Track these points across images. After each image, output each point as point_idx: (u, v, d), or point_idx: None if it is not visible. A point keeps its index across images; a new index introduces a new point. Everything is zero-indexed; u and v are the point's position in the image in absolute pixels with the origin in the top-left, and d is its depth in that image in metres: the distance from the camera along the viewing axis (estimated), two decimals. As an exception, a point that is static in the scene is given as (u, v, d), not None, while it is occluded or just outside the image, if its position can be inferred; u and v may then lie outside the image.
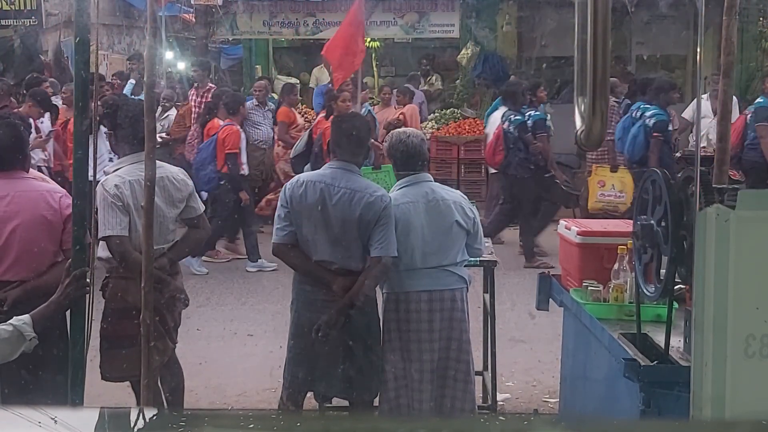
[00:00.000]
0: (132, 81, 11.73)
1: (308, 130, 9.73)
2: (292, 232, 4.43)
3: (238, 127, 9.29)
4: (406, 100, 11.86)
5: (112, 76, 12.89)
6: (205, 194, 8.85)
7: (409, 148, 4.62)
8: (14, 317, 3.27)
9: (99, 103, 4.78)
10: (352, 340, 4.41)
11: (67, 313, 3.53)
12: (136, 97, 9.25)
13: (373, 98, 12.71)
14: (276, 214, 4.52)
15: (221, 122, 9.33)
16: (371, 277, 4.36)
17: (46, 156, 9.16)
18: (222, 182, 9.05)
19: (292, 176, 7.93)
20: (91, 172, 3.59)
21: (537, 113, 9.63)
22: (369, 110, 10.70)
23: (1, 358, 3.20)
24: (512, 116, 9.56)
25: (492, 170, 10.64)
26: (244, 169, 9.32)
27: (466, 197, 4.83)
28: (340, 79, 9.92)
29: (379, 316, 4.57)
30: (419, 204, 4.54)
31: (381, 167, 9.77)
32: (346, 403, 4.76)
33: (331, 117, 9.15)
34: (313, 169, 9.23)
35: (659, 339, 3.53)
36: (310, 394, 4.81)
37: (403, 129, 5.05)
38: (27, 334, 3.21)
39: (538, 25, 14.25)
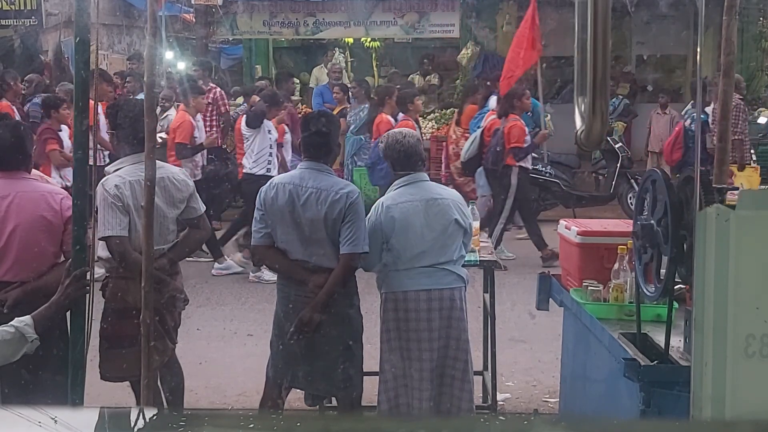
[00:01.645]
0: None
1: (480, 131, 9.62)
2: (267, 234, 4.50)
3: (414, 122, 9.35)
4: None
5: (113, 75, 12.88)
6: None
7: (405, 148, 4.64)
8: (15, 318, 3.27)
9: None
10: (330, 336, 4.44)
11: (67, 313, 3.53)
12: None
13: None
14: (254, 217, 4.58)
15: (389, 118, 9.45)
16: (339, 274, 4.39)
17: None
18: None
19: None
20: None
21: (702, 115, 9.44)
22: None
23: (3, 360, 3.20)
24: (696, 114, 9.37)
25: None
26: None
27: (461, 195, 4.85)
28: (512, 79, 9.76)
29: (360, 313, 4.59)
30: (418, 203, 4.55)
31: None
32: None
33: (510, 116, 9.12)
34: (487, 172, 9.27)
35: (659, 339, 3.53)
36: (300, 396, 4.81)
37: (399, 129, 5.07)
38: (29, 335, 3.22)
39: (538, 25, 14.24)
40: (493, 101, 10.23)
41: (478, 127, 9.82)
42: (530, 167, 9.55)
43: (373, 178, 9.42)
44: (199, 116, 9.69)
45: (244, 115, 9.35)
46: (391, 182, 8.55)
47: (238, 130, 9.45)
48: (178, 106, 11.15)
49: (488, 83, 11.26)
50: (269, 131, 8.90)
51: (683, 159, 9.43)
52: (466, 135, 10.21)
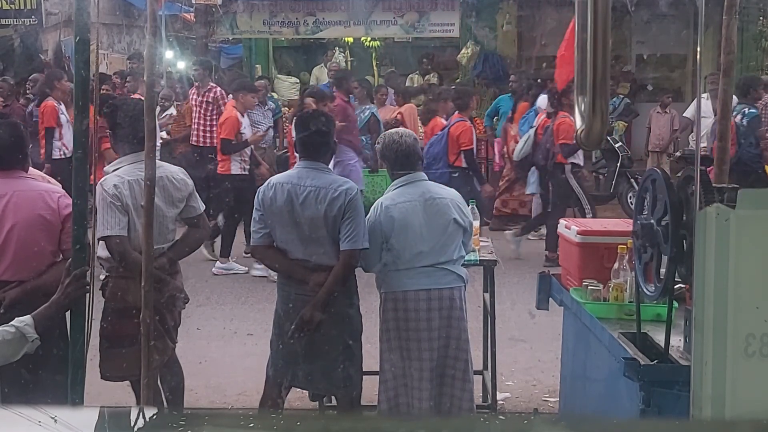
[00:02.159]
0: None
1: (533, 130, 9.58)
2: (267, 234, 4.50)
3: (470, 122, 9.35)
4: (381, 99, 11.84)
5: (113, 74, 12.90)
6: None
7: (402, 148, 4.65)
8: (16, 318, 3.27)
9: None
10: (330, 335, 4.44)
11: (67, 312, 3.53)
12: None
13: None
14: (252, 217, 4.58)
15: (443, 120, 9.50)
16: (339, 270, 4.39)
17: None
18: (455, 176, 9.09)
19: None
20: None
21: (752, 110, 9.34)
22: (373, 112, 10.55)
23: (3, 360, 3.20)
24: (746, 109, 9.25)
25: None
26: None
27: (460, 195, 4.85)
28: (566, 76, 9.68)
29: (360, 313, 4.60)
30: (416, 203, 4.55)
31: (378, 170, 9.78)
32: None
33: (560, 113, 9.05)
34: (540, 171, 9.22)
35: (659, 338, 3.53)
36: (303, 394, 4.82)
37: (395, 129, 5.07)
38: (29, 335, 3.21)
39: (538, 25, 14.26)
40: (541, 100, 10.19)
41: (531, 127, 9.79)
42: (582, 163, 9.50)
43: (429, 178, 9.41)
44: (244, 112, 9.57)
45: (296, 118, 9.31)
46: (446, 183, 8.60)
47: (289, 132, 9.48)
48: (177, 105, 11.18)
49: (538, 81, 11.23)
50: None
51: (736, 155, 9.31)
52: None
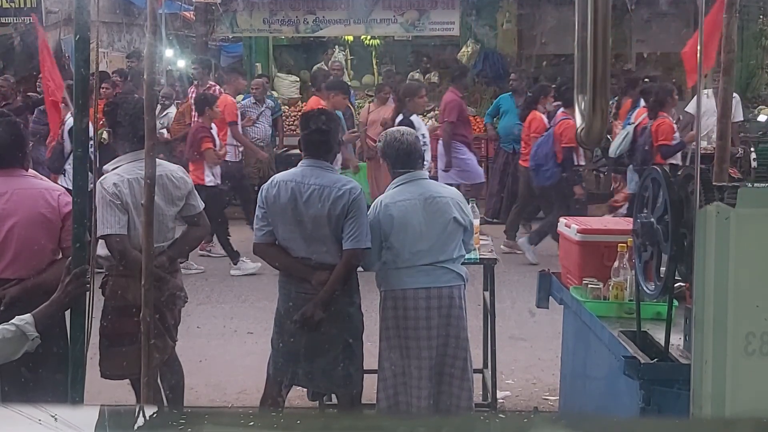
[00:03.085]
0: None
1: (632, 127, 9.39)
2: (270, 232, 4.51)
3: (574, 120, 9.29)
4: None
5: (112, 73, 12.88)
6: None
7: (404, 147, 4.64)
8: (16, 317, 3.27)
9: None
10: (331, 333, 4.45)
11: (67, 311, 3.52)
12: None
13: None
14: (255, 214, 4.59)
15: (542, 116, 9.47)
16: (342, 269, 4.40)
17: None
18: (564, 175, 9.02)
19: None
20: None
21: None
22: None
23: (4, 358, 3.20)
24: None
25: None
26: (581, 161, 9.34)
27: (461, 194, 4.85)
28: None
29: (361, 311, 4.60)
30: (416, 201, 4.55)
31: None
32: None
33: (660, 113, 8.85)
34: (637, 168, 9.16)
35: (659, 337, 3.53)
36: (304, 392, 4.82)
37: (397, 128, 5.07)
38: (29, 333, 3.21)
39: (538, 23, 14.24)
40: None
41: (629, 123, 9.66)
42: (680, 164, 9.43)
43: (537, 179, 9.26)
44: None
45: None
46: (555, 183, 8.47)
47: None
48: (178, 104, 11.16)
49: (646, 79, 11.05)
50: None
51: None
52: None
